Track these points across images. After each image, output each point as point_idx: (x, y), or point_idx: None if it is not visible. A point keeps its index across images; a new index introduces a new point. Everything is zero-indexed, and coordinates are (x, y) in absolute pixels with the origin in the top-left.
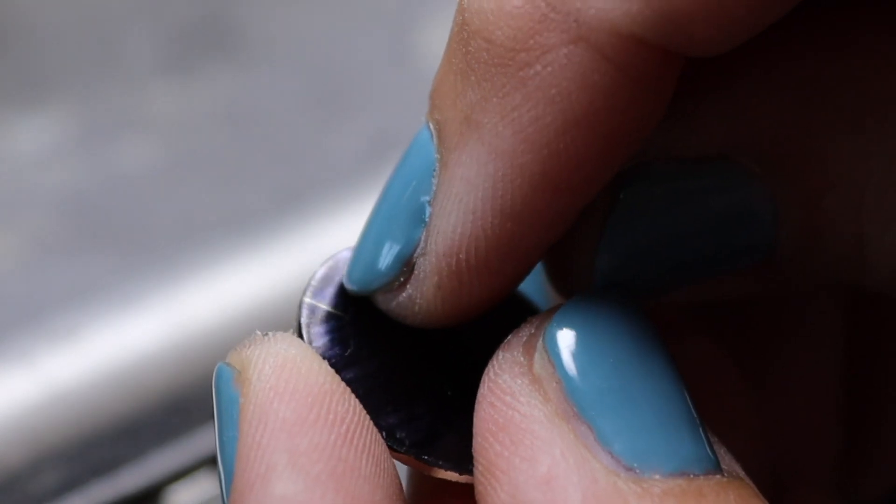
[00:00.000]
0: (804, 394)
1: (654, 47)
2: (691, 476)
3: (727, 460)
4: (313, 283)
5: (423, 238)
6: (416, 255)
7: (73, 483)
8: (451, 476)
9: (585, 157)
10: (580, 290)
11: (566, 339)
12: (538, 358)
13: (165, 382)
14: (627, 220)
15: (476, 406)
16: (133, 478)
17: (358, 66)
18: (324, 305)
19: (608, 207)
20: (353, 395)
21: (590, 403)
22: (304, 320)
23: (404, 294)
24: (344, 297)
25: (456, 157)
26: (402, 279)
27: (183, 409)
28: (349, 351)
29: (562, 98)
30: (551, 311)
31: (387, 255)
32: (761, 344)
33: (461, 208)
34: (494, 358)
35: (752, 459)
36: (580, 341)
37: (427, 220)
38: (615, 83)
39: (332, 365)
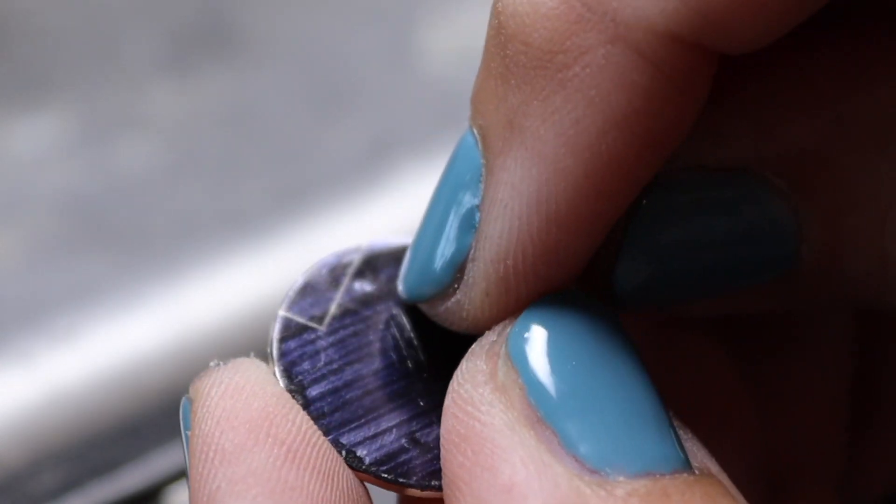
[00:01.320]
0: (808, 396)
1: (690, 45)
2: (657, 476)
3: (700, 457)
4: (290, 294)
5: (473, 244)
6: (466, 261)
7: (73, 483)
8: (414, 492)
9: (626, 159)
10: (602, 299)
11: (528, 343)
12: (501, 364)
13: (165, 382)
14: (649, 228)
15: (442, 418)
16: (133, 478)
17: (358, 66)
18: (298, 318)
19: (630, 214)
20: (301, 414)
21: (553, 408)
22: (275, 335)
23: (453, 300)
24: (322, 307)
25: (501, 162)
26: (455, 286)
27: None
28: (319, 365)
29: (601, 98)
30: (514, 317)
31: (440, 263)
32: (767, 347)
33: (507, 214)
34: (458, 368)
35: (746, 457)
36: (542, 345)
37: (477, 225)
38: (653, 82)
39: (298, 382)
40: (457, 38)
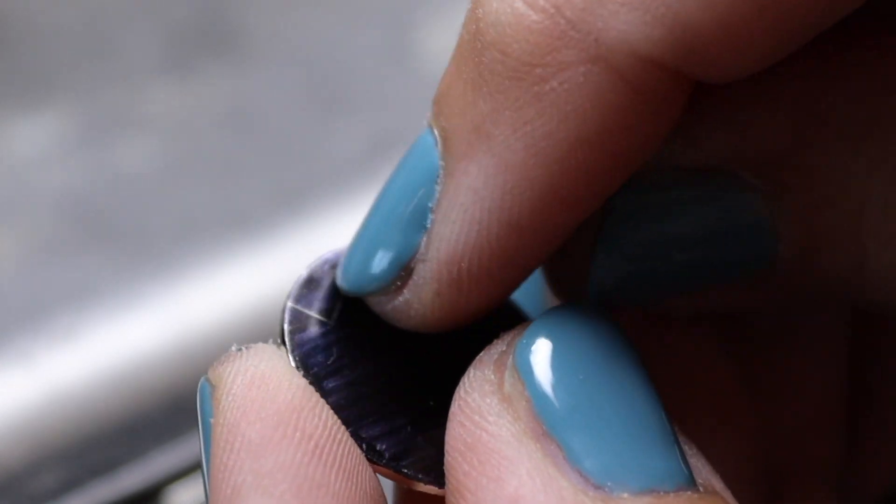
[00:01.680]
0: (804, 394)
1: (671, 71)
2: (660, 493)
3: (704, 474)
4: (297, 287)
5: (423, 244)
6: (414, 260)
7: (73, 483)
8: (431, 490)
9: (594, 173)
10: (576, 294)
11: (535, 356)
12: (508, 376)
13: (165, 382)
14: (622, 227)
15: (447, 424)
16: (133, 478)
17: (358, 66)
18: (308, 311)
19: (604, 214)
20: (326, 409)
21: (559, 421)
22: (287, 327)
23: (401, 298)
24: (329, 302)
25: (463, 166)
26: (398, 283)
27: (183, 409)
28: (332, 359)
29: (576, 115)
30: (523, 327)
31: (384, 259)
32: (762, 345)
33: (466, 218)
34: (466, 375)
35: (744, 459)
36: (550, 358)
37: (428, 226)
38: (629, 103)
39: (314, 374)
40: (457, 38)
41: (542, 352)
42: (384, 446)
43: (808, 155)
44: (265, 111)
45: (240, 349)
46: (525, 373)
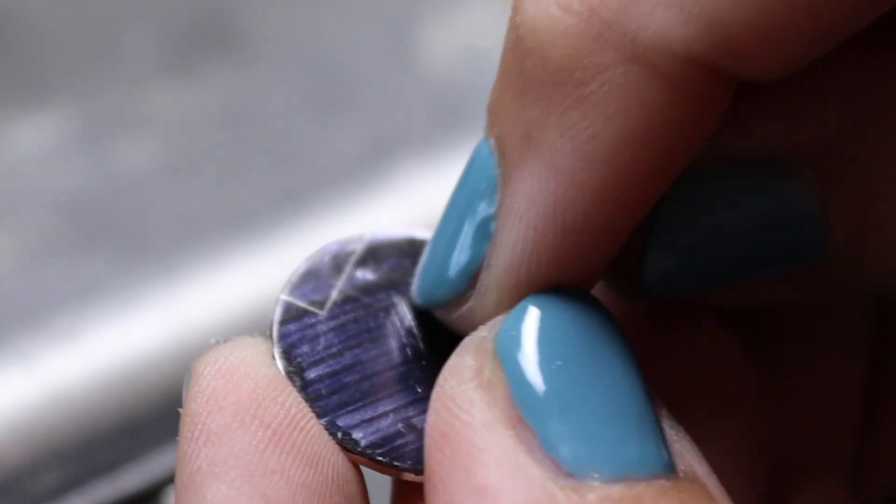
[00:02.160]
0: (821, 386)
1: (710, 69)
2: (633, 481)
3: (687, 459)
4: (293, 279)
5: (488, 252)
6: (481, 268)
7: (73, 483)
8: (409, 477)
9: (642, 173)
10: (627, 285)
11: (516, 341)
12: (488, 361)
13: (165, 382)
14: (673, 218)
15: (428, 412)
16: (133, 478)
17: (358, 66)
18: (300, 302)
19: (656, 206)
20: (291, 398)
21: (535, 408)
22: (276, 318)
23: (465, 307)
24: (322, 293)
25: (517, 173)
26: (468, 294)
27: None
28: (318, 349)
29: (618, 115)
30: (507, 313)
31: (455, 270)
32: (779, 335)
33: (522, 225)
34: (448, 362)
35: (753, 453)
36: (530, 343)
37: (492, 234)
38: (672, 101)
39: (297, 364)
40: (457, 38)
41: (522, 337)
42: (361, 434)
43: (858, 146)
44: (265, 111)
45: (218, 342)
46: (505, 358)
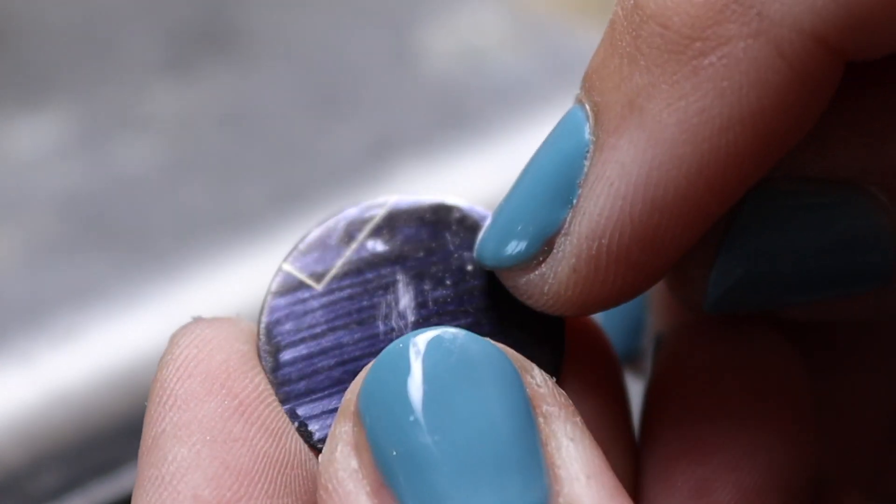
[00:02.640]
0: (859, 403)
1: (830, 48)
2: None
3: (567, 482)
4: (300, 246)
5: (567, 219)
6: (557, 234)
7: (73, 483)
8: None
9: (744, 156)
10: (695, 298)
11: (371, 399)
12: (355, 422)
13: None
14: (746, 232)
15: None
16: (133, 478)
17: (358, 66)
18: (298, 274)
19: (730, 218)
20: (261, 376)
21: (391, 470)
22: (271, 288)
23: (536, 272)
24: (324, 265)
25: (613, 140)
26: (540, 258)
27: None
28: (301, 327)
29: (732, 92)
30: (367, 369)
31: (527, 232)
32: (838, 354)
33: (611, 192)
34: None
35: (798, 467)
36: (385, 399)
37: (574, 201)
38: (786, 82)
39: (274, 343)
40: (457, 38)
41: (376, 394)
42: (317, 427)
43: None
44: (265, 111)
45: (198, 317)
46: (365, 419)
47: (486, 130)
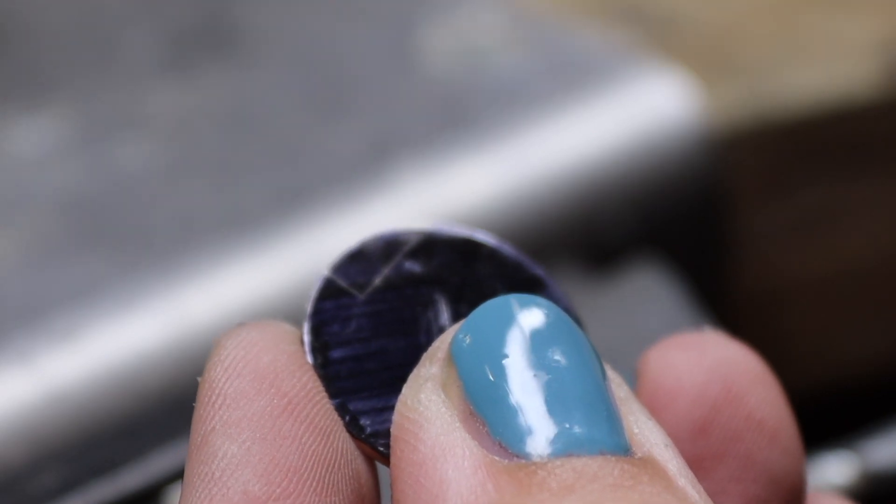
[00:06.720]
0: None
1: None
2: (577, 456)
3: (646, 447)
4: (341, 256)
5: None
6: None
7: (73, 483)
8: None
9: None
10: None
11: (466, 344)
12: (445, 365)
13: (165, 382)
14: None
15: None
16: (133, 478)
17: (358, 66)
18: (341, 281)
19: None
20: (309, 374)
21: (482, 398)
22: (314, 293)
23: None
24: (365, 276)
25: None
26: None
27: (183, 409)
28: (348, 330)
29: None
30: (459, 324)
31: None
32: None
33: None
34: (412, 373)
35: None
36: (479, 344)
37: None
38: None
39: (323, 342)
40: (457, 38)
41: (472, 337)
42: (368, 421)
43: None
44: (265, 111)
45: (243, 322)
46: (458, 359)
47: (486, 130)
